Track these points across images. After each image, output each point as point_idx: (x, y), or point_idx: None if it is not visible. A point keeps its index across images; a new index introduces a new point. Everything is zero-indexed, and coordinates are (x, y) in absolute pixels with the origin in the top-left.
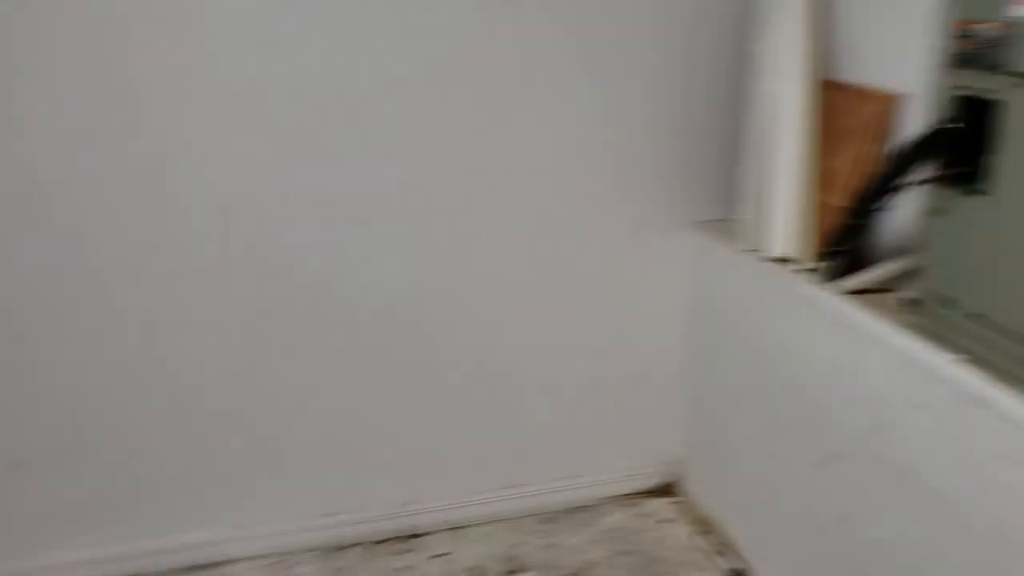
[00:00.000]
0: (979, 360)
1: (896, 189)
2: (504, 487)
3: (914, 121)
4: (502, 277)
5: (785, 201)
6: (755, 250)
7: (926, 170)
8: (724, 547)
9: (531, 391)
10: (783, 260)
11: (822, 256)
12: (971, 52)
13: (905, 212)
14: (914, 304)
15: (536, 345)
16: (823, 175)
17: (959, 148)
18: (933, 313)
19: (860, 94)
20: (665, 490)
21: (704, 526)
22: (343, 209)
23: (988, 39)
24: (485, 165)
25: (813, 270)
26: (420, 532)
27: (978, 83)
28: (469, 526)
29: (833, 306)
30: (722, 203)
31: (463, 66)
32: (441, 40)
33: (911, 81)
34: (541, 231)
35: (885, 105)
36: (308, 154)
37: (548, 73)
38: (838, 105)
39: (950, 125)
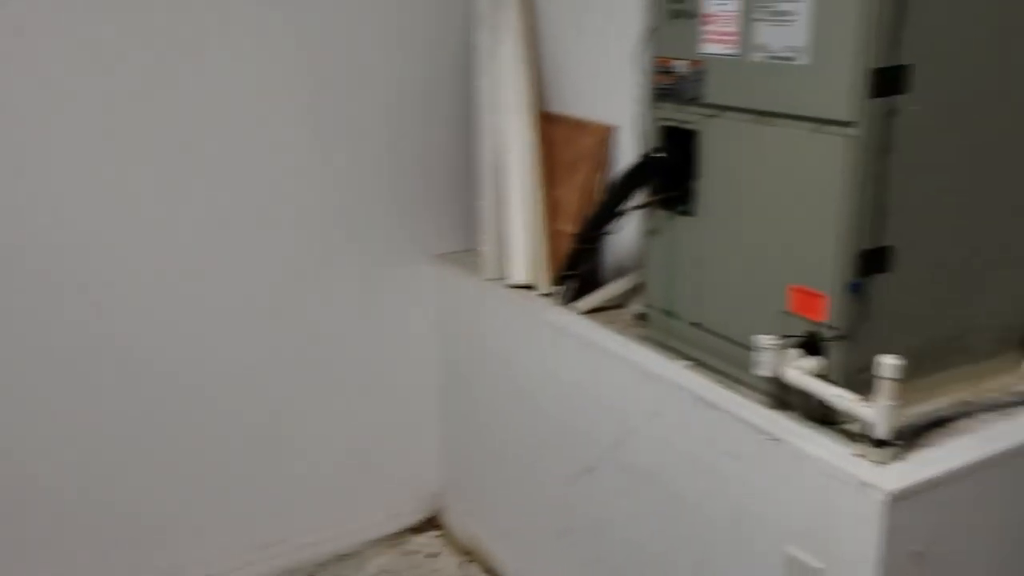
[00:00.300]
0: (702, 365)
1: (617, 214)
2: (266, 545)
3: (629, 150)
4: (243, 336)
5: (520, 230)
6: (498, 279)
7: (641, 195)
8: (490, 572)
9: (286, 443)
10: (524, 287)
11: (558, 280)
12: (671, 86)
13: (628, 234)
14: (642, 318)
15: (287, 396)
16: (552, 204)
17: (667, 174)
18: (659, 325)
19: (579, 126)
20: (430, 524)
21: (470, 554)
22: (62, 274)
23: (684, 74)
24: (212, 220)
25: (551, 294)
26: None
27: (678, 115)
28: None
29: (572, 327)
30: (464, 234)
31: (171, 112)
32: (147, 87)
33: (623, 113)
34: (281, 281)
35: (602, 136)
36: (30, 205)
37: (274, 116)
38: (559, 137)
39: (657, 154)
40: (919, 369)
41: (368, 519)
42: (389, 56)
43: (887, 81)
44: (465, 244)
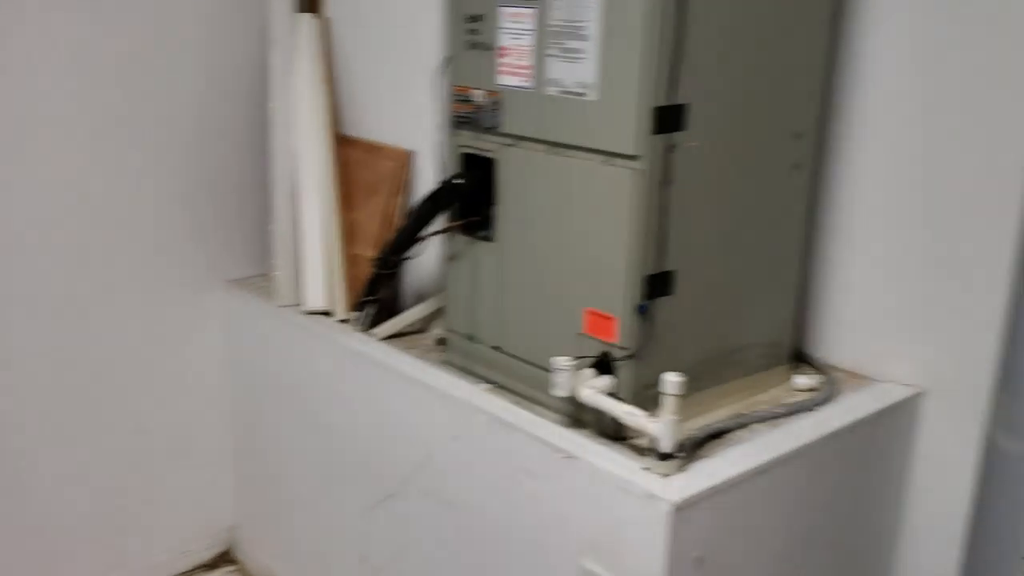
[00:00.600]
0: (503, 387)
1: (417, 239)
2: None
3: (429, 176)
4: (14, 365)
5: (316, 255)
6: (293, 305)
7: (441, 221)
8: None
9: (62, 483)
10: (321, 313)
11: (356, 306)
12: (469, 115)
13: (428, 259)
14: (443, 343)
15: (63, 434)
16: (350, 228)
17: (467, 200)
18: (460, 349)
19: (378, 150)
20: (223, 559)
21: None
22: None
23: (482, 104)
24: None
25: (349, 320)
26: None
27: (477, 143)
28: None
29: (371, 353)
30: (259, 259)
31: None
32: None
33: (423, 139)
34: (57, 308)
35: (401, 161)
36: None
37: (55, 133)
38: (358, 160)
39: (456, 180)
40: (700, 383)
41: (156, 558)
42: (179, 75)
43: (667, 119)
44: (260, 269)
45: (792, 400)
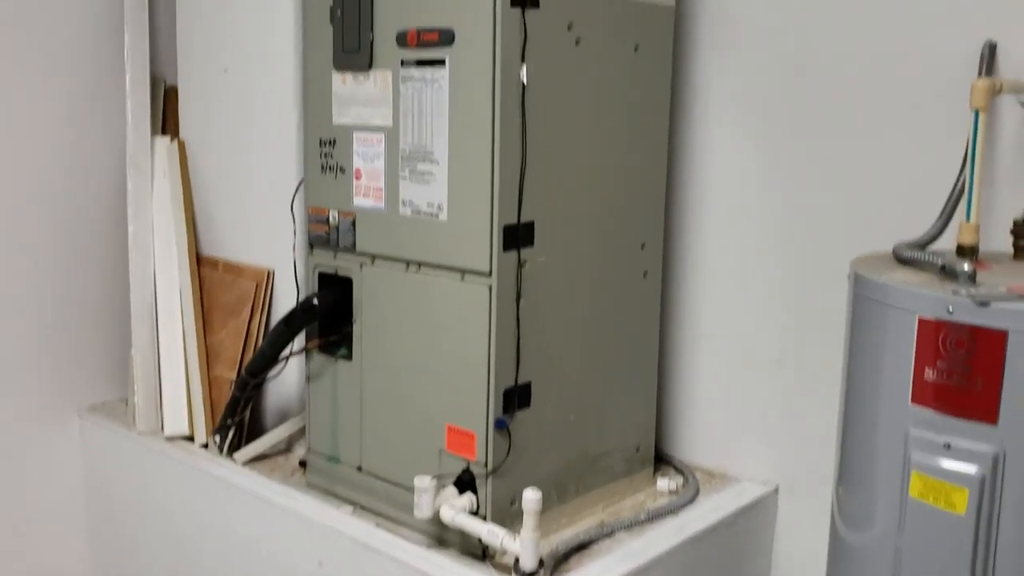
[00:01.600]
0: (367, 509)
1: (277, 359)
2: None
3: (288, 295)
4: None
5: (176, 379)
6: (153, 431)
7: (301, 340)
8: None
9: None
10: (183, 438)
11: (217, 429)
12: (326, 235)
13: (291, 378)
14: (305, 464)
15: None
16: (211, 350)
17: (325, 319)
18: (323, 470)
19: (237, 270)
20: None
21: None
22: None
23: (339, 224)
24: None
25: (210, 444)
26: None
27: (334, 262)
28: None
29: (233, 478)
30: (118, 384)
31: None
32: None
33: (282, 257)
34: None
35: (260, 280)
36: None
37: None
38: (217, 281)
39: (314, 299)
40: (565, 494)
41: None
42: (33, 198)
43: (516, 236)
44: (119, 394)
45: (655, 505)
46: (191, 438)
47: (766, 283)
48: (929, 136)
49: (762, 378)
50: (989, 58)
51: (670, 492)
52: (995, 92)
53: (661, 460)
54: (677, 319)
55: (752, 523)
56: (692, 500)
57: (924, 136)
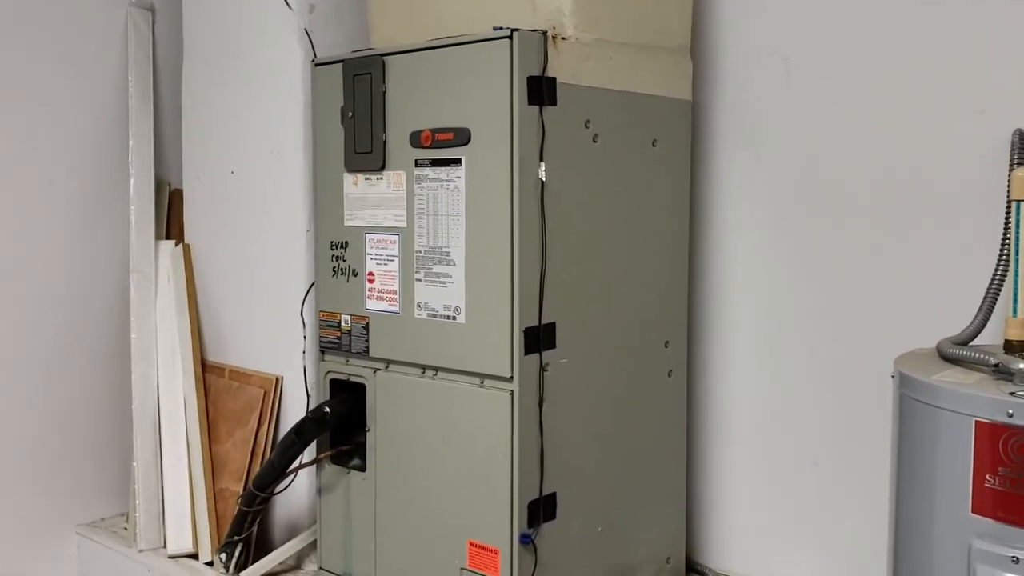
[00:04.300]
0: None
1: (286, 471)
2: None
3: (298, 403)
4: None
5: (180, 493)
6: (155, 548)
7: (311, 451)
8: None
9: None
10: (187, 555)
11: (224, 546)
12: (337, 340)
13: (301, 490)
14: None
15: None
16: (217, 461)
17: (337, 428)
18: None
19: (244, 377)
20: None
21: None
22: None
23: (350, 329)
24: None
25: (216, 562)
26: None
27: (346, 368)
28: None
29: None
30: (116, 498)
31: None
32: None
33: (291, 364)
34: None
35: (268, 388)
36: None
37: None
38: (223, 388)
39: (326, 408)
40: None
41: None
42: (33, 304)
43: (538, 338)
44: (119, 509)
45: None
46: (195, 556)
47: (796, 383)
48: (956, 228)
49: (798, 481)
50: (1021, 146)
51: None
52: None
53: (693, 570)
54: (705, 420)
55: None
56: None
57: (952, 229)
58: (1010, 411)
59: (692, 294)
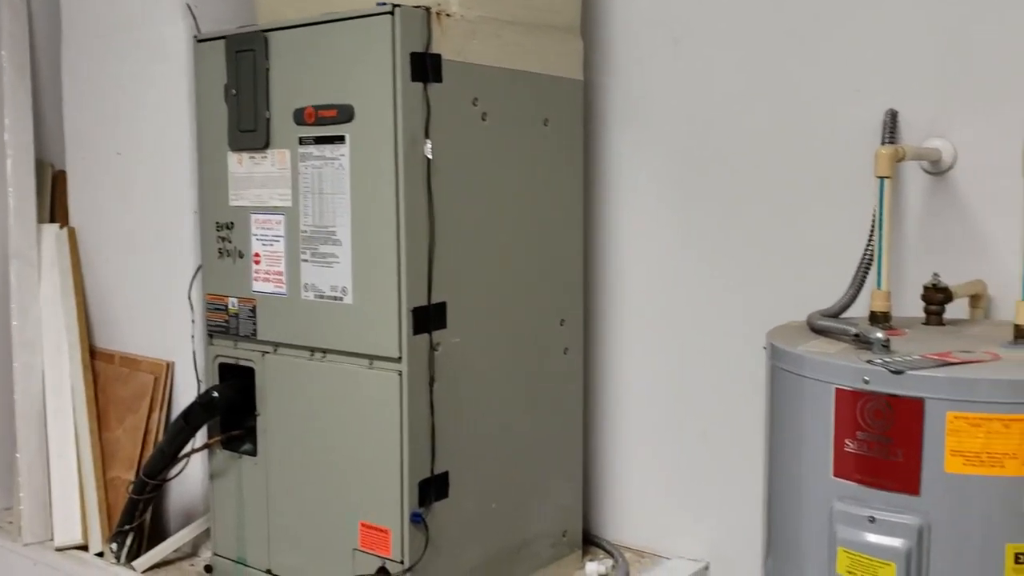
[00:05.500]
0: None
1: (177, 457)
2: None
3: (189, 388)
4: None
5: (68, 483)
6: (42, 541)
7: (205, 435)
8: None
9: None
10: (76, 547)
11: (115, 536)
12: (225, 323)
13: (195, 477)
14: (210, 569)
15: None
16: (107, 449)
17: (227, 413)
18: (229, 574)
19: (134, 363)
20: None
21: None
22: None
23: (238, 312)
24: None
25: (107, 553)
26: None
27: (235, 352)
28: None
29: None
30: (2, 492)
31: None
32: None
33: (181, 349)
34: None
35: (159, 373)
36: None
37: None
38: (112, 376)
39: (215, 392)
40: None
41: None
42: None
43: (427, 317)
44: (4, 503)
45: None
46: (85, 547)
47: (686, 357)
48: (839, 205)
49: (688, 453)
50: (892, 126)
51: (600, 575)
52: (898, 159)
53: (590, 542)
54: (602, 396)
55: None
56: None
57: (834, 206)
58: (866, 378)
59: (588, 272)
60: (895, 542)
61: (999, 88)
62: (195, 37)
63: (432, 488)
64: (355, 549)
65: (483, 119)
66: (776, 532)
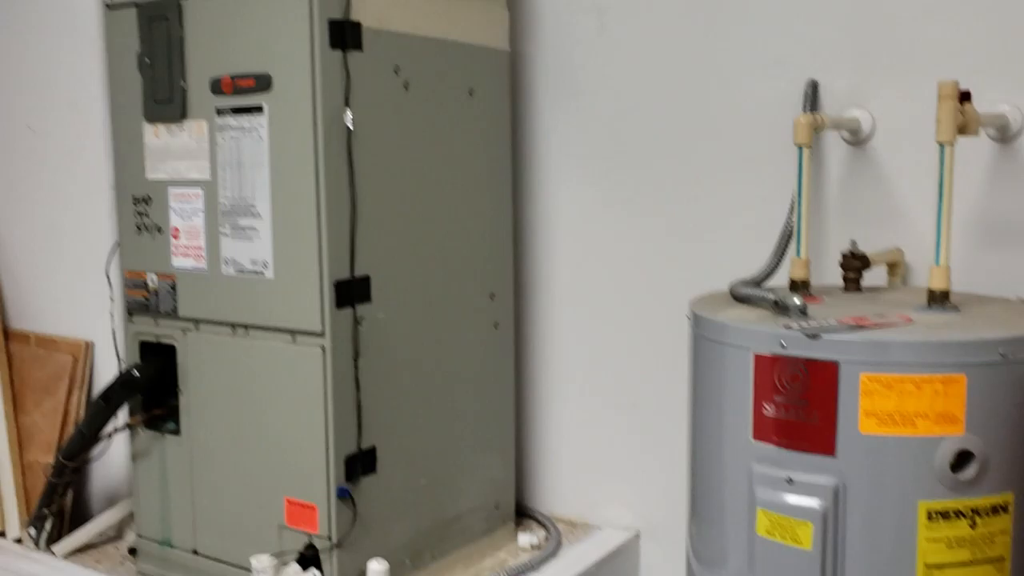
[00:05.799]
0: None
1: (98, 438)
2: None
3: (109, 367)
4: None
5: None
6: None
7: (125, 415)
8: None
9: None
10: None
11: (33, 521)
12: (145, 300)
13: (118, 458)
14: (135, 551)
15: None
16: (24, 433)
17: (149, 392)
18: (154, 556)
19: (50, 343)
20: None
21: None
22: None
23: (157, 288)
24: None
25: (25, 538)
26: None
27: (155, 329)
28: None
29: (52, 575)
30: None
31: None
32: None
33: (101, 327)
34: None
35: (77, 354)
36: None
37: None
38: (28, 357)
39: (135, 371)
40: (420, 560)
41: None
42: None
43: (350, 291)
44: None
45: (517, 562)
46: (3, 533)
47: (614, 328)
48: (762, 177)
49: (617, 424)
50: (812, 96)
51: (532, 547)
52: (817, 128)
53: (523, 515)
54: (532, 369)
55: (615, 571)
56: (554, 553)
57: (758, 177)
58: (783, 342)
59: (518, 245)
60: (812, 502)
61: (915, 58)
62: (106, 4)
63: (359, 463)
64: (281, 526)
65: (406, 88)
66: (699, 497)
